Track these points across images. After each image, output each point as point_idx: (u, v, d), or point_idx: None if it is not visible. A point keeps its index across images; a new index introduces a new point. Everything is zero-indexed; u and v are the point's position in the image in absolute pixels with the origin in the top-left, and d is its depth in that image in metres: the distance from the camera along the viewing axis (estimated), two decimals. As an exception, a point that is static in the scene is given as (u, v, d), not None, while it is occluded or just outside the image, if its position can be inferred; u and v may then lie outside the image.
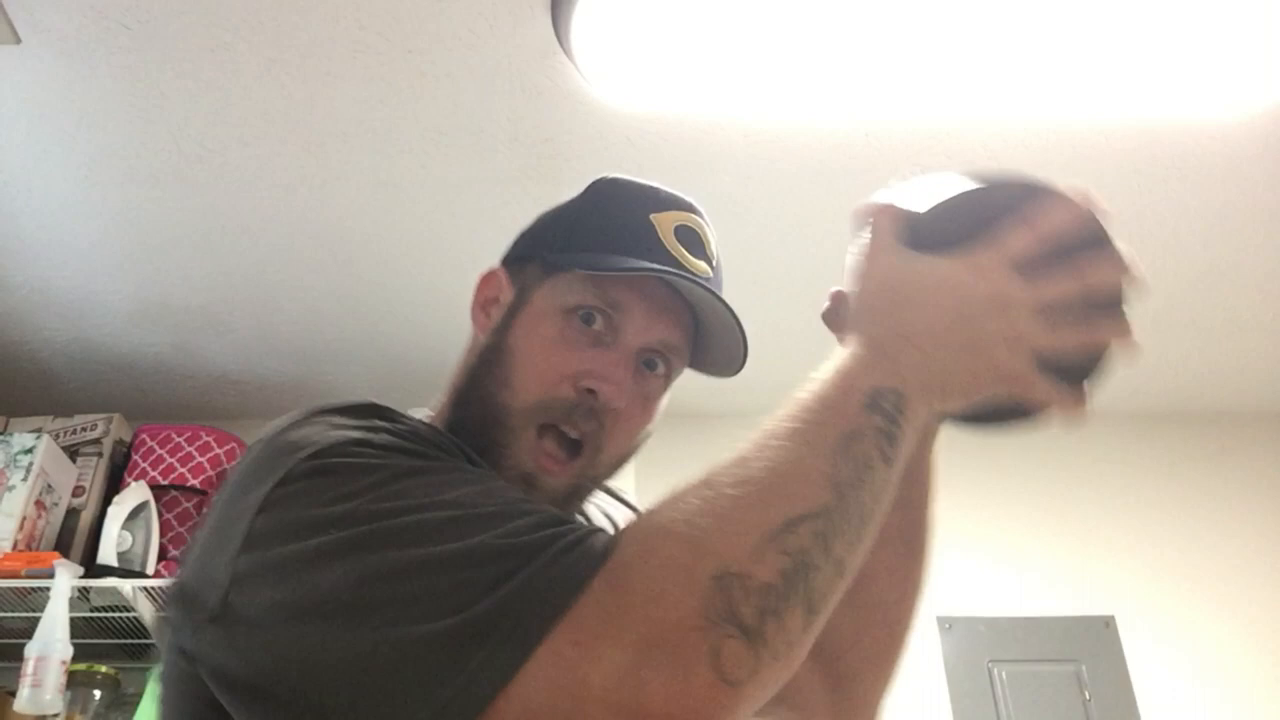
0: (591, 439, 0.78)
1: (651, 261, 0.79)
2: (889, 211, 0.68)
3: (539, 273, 0.82)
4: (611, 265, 0.79)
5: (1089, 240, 0.64)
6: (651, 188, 0.86)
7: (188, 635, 0.63)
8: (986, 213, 0.65)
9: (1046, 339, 0.63)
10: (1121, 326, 0.64)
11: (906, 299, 0.64)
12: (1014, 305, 0.62)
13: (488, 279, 0.87)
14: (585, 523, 0.62)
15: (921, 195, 0.67)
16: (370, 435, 0.66)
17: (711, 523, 0.55)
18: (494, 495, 0.63)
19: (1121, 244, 0.65)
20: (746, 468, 0.57)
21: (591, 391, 0.77)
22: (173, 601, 0.67)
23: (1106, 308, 0.64)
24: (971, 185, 0.66)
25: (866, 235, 0.68)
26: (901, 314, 0.63)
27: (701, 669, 0.51)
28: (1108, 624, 2.49)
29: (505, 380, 0.78)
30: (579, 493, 0.81)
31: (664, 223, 0.82)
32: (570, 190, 0.88)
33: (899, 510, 0.78)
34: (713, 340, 0.83)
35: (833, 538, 0.55)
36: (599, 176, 0.87)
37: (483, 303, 0.86)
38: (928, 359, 0.62)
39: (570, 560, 0.56)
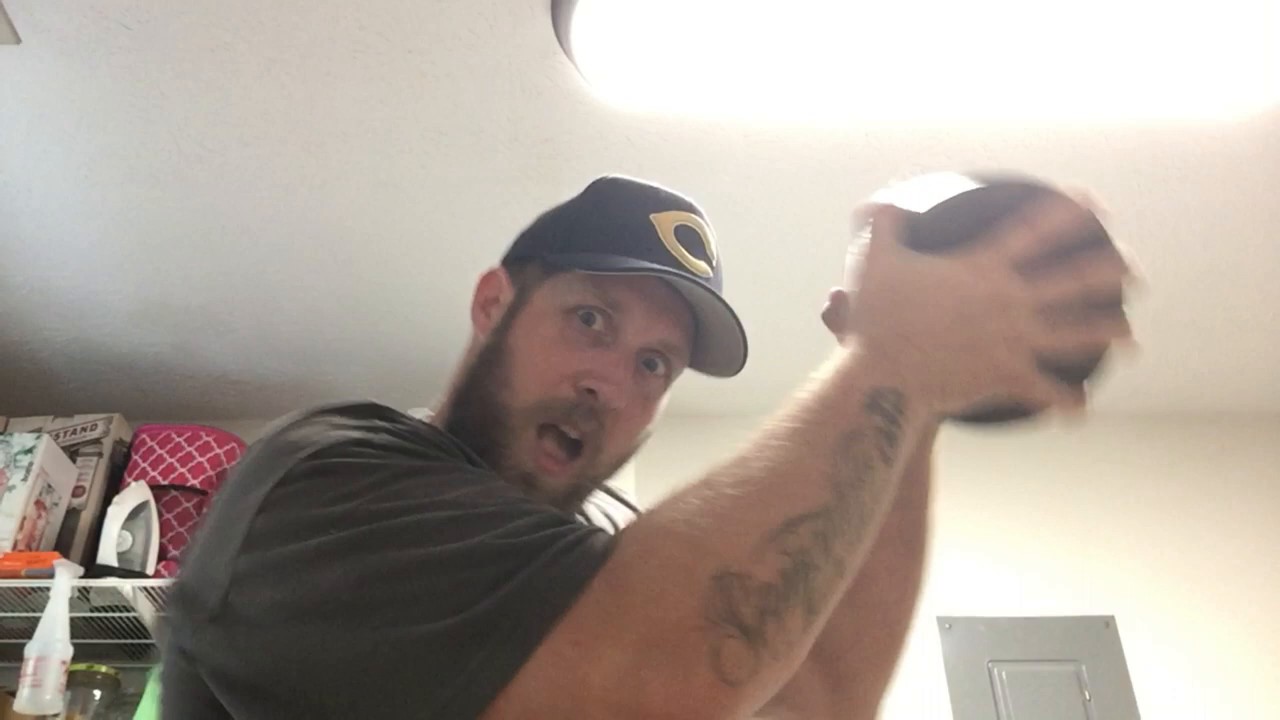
0: (591, 439, 0.78)
1: (652, 261, 0.79)
2: (889, 211, 0.68)
3: (539, 273, 0.82)
4: (611, 265, 0.79)
5: (1089, 240, 0.64)
6: (651, 188, 0.85)
7: (188, 635, 0.63)
8: (986, 213, 0.65)
9: (1046, 339, 0.62)
10: (1121, 326, 0.64)
11: (906, 299, 0.64)
12: (1014, 305, 0.62)
13: (488, 279, 0.87)
14: (585, 523, 0.62)
15: (921, 195, 0.67)
16: (370, 435, 0.66)
17: (711, 523, 0.55)
18: (494, 495, 0.63)
19: (1121, 244, 0.65)
20: (746, 468, 0.57)
21: (591, 391, 0.77)
22: (173, 601, 0.67)
23: (1106, 308, 0.64)
24: (971, 185, 0.66)
25: (866, 235, 0.68)
26: (901, 314, 0.63)
27: (701, 669, 0.51)
28: (1108, 624, 2.49)
29: (505, 380, 0.78)
30: (579, 493, 0.81)
31: (664, 223, 0.82)
32: (570, 190, 0.88)
33: (899, 510, 0.77)
34: (713, 340, 0.83)
35: (833, 538, 0.56)
36: (599, 176, 0.87)
37: (483, 303, 0.86)
38: (928, 359, 0.62)
39: (570, 560, 0.56)
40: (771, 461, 0.57)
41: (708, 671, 0.51)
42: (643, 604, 0.53)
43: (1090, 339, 0.64)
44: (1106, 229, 0.64)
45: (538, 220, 0.89)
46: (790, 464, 0.57)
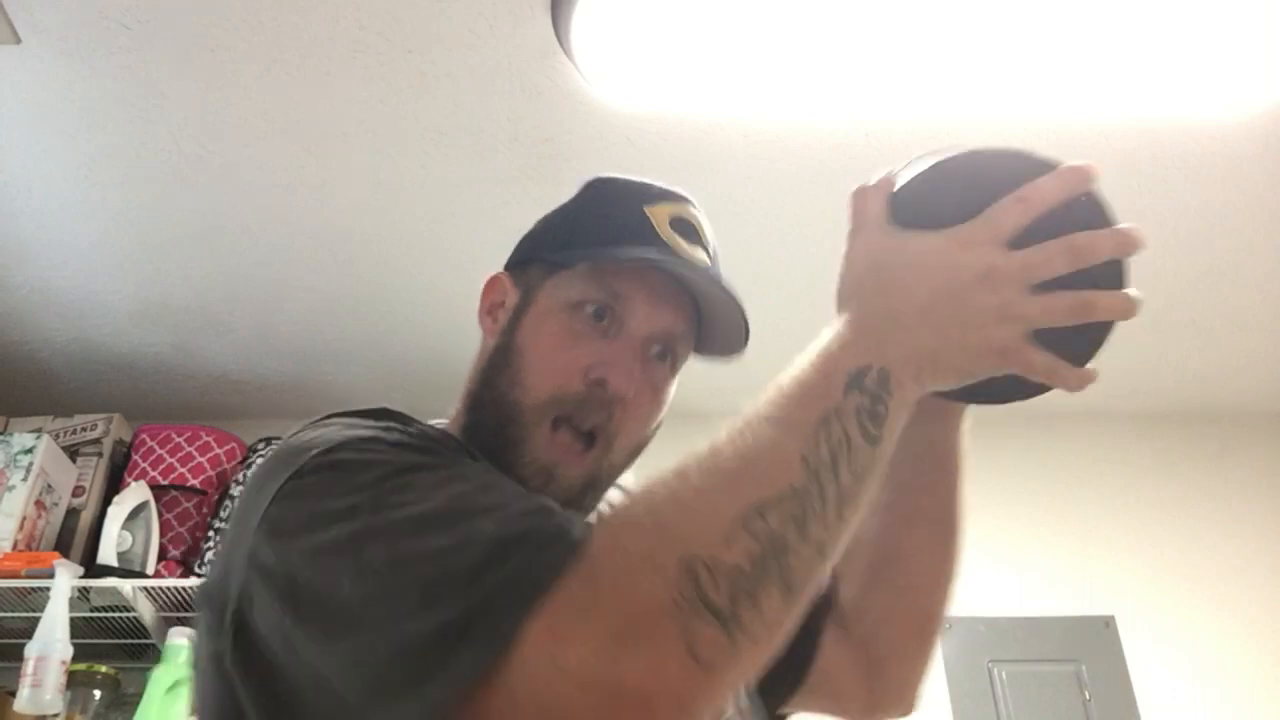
0: (604, 430, 0.79)
1: (650, 253, 0.81)
2: (877, 189, 0.68)
3: (541, 272, 0.84)
4: (611, 257, 0.81)
5: (1083, 212, 0.63)
6: (644, 183, 0.87)
7: (214, 633, 0.65)
8: (977, 188, 0.64)
9: (1039, 312, 0.62)
10: (1119, 298, 0.62)
11: (893, 278, 0.64)
12: (1004, 279, 0.62)
13: (492, 284, 0.89)
14: (572, 515, 0.63)
15: (912, 173, 0.67)
16: (382, 434, 0.68)
17: (679, 510, 0.56)
18: (490, 489, 0.64)
19: (1117, 214, 0.64)
20: (718, 454, 0.58)
21: (601, 383, 0.78)
22: (199, 600, 0.69)
23: (1104, 278, 0.63)
24: (963, 161, 0.66)
25: (855, 214, 0.68)
26: (889, 292, 0.63)
27: (676, 653, 0.52)
28: (1108, 624, 2.49)
29: (516, 379, 0.80)
30: (597, 485, 0.82)
31: (659, 215, 0.84)
32: (571, 191, 0.89)
33: (926, 493, 0.79)
34: (715, 325, 0.85)
35: (809, 519, 0.56)
36: (593, 176, 0.89)
37: (489, 307, 0.88)
38: (915, 336, 0.61)
39: (548, 554, 0.56)
40: (744, 446, 0.58)
41: (682, 655, 0.52)
42: (612, 595, 0.54)
43: (1087, 310, 0.63)
44: (1102, 200, 0.64)
45: (537, 224, 0.91)
46: (762, 447, 0.58)
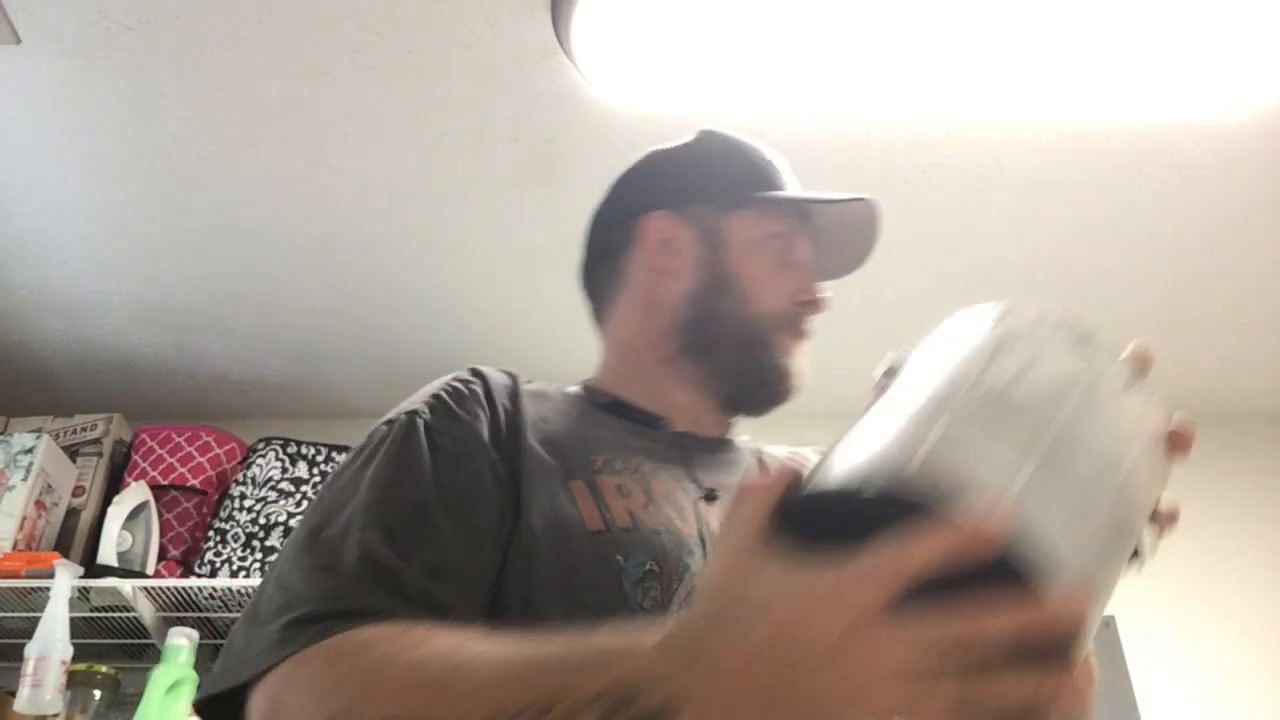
0: (809, 335, 0.99)
1: (785, 191, 1.02)
2: (761, 496, 0.54)
3: (715, 210, 0.99)
4: (804, 197, 1.01)
5: (990, 573, 0.46)
6: (740, 137, 1.05)
7: None
8: (864, 523, 0.49)
9: (903, 690, 0.48)
10: (1026, 684, 0.46)
11: (738, 614, 0.52)
12: (857, 656, 0.49)
13: (656, 223, 1.00)
14: (369, 598, 0.69)
15: (813, 482, 0.53)
16: (401, 422, 0.87)
17: (372, 675, 0.62)
18: (337, 522, 0.74)
19: (1052, 581, 0.46)
20: (475, 656, 0.60)
21: (807, 304, 0.97)
22: None
23: (1035, 655, 0.46)
24: (868, 486, 0.50)
25: (733, 512, 0.56)
26: (726, 625, 0.52)
27: None
28: (1108, 624, 2.48)
29: (745, 297, 0.96)
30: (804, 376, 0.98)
31: (779, 162, 1.03)
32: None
33: None
34: (833, 250, 1.03)
35: None
36: (703, 130, 1.06)
37: (660, 243, 0.99)
38: (731, 680, 0.51)
39: (304, 632, 0.66)
40: (477, 665, 0.59)
41: None
42: (275, 708, 0.65)
43: (969, 713, 0.47)
44: (1019, 559, 0.46)
45: (664, 169, 1.05)
46: (476, 681, 0.58)
